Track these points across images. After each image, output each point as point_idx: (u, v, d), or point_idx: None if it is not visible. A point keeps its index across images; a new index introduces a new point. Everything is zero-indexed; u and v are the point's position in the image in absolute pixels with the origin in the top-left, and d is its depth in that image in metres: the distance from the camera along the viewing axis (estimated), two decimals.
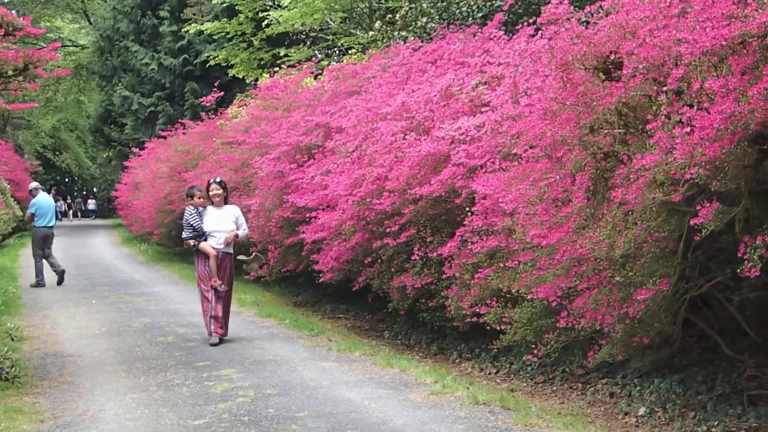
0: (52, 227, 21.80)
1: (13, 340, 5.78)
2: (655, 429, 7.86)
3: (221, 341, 12.27)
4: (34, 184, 23.28)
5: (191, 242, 12.56)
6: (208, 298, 12.38)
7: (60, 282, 20.98)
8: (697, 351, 8.74)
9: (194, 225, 12.51)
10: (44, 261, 21.31)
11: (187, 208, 12.83)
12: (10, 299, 17.19)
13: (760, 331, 7.99)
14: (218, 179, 12.92)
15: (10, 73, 11.59)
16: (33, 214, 21.65)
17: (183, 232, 12.83)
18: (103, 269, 25.88)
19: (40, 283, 20.96)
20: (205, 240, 12.47)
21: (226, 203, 12.79)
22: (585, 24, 8.11)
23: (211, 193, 12.61)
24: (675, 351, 8.37)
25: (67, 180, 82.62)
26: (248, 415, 8.21)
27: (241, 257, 12.74)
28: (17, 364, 5.87)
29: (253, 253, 13.09)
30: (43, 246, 21.36)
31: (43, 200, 21.89)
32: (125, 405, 8.88)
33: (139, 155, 34.18)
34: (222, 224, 12.49)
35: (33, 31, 12.77)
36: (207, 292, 12.41)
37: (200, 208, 12.65)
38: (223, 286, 12.33)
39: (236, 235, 12.52)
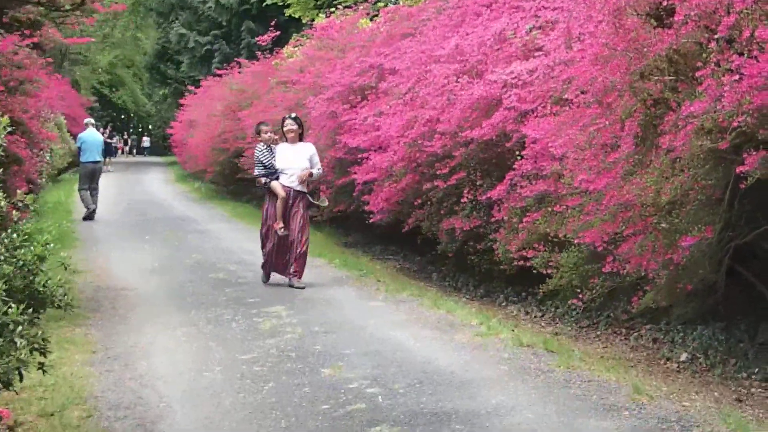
0: (98, 162, 22.12)
1: (65, 269, 5.91)
2: (696, 375, 7.91)
3: (292, 286, 11.91)
4: (87, 120, 23.63)
5: (263, 180, 12.18)
6: (270, 238, 12.07)
7: (86, 218, 21.23)
8: (741, 300, 8.74)
9: (264, 162, 12.18)
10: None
11: (257, 145, 12.55)
12: (64, 233, 17.43)
13: None
14: (293, 115, 12.60)
15: (68, 7, 11.70)
16: (79, 148, 21.98)
17: (254, 170, 12.51)
18: (156, 206, 26.17)
19: (89, 210, 21.36)
20: (277, 179, 12.12)
21: (300, 140, 12.42)
22: None
23: (285, 129, 12.23)
24: (719, 299, 8.37)
25: (122, 117, 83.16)
26: (295, 351, 8.35)
27: (311, 198, 12.49)
28: (70, 293, 6.01)
29: (323, 197, 12.82)
30: (90, 181, 21.69)
31: (89, 135, 22.21)
32: (175, 338, 9.07)
33: (195, 93, 34.37)
34: (295, 162, 12.07)
35: None
36: (271, 232, 12.05)
37: (271, 145, 12.36)
38: (284, 230, 11.89)
39: (310, 174, 12.12)
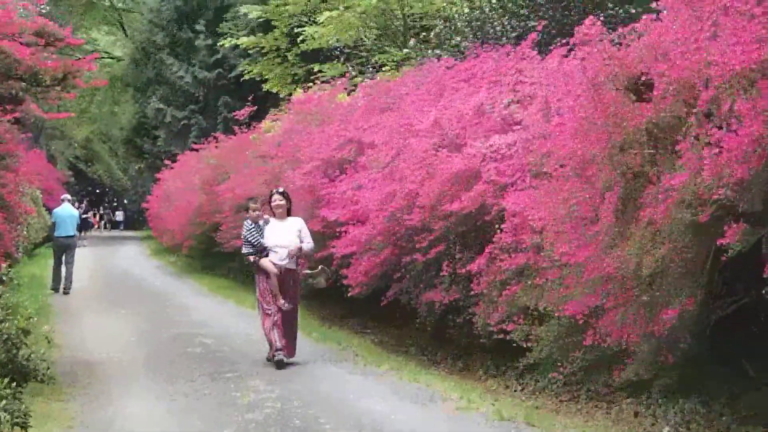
0: (71, 237, 22.17)
1: (49, 342, 5.89)
2: None
3: (286, 363, 11.58)
4: (64, 196, 23.72)
5: (251, 258, 11.92)
6: (269, 314, 11.72)
7: (56, 290, 21.40)
8: (722, 371, 8.74)
9: (252, 241, 11.89)
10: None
11: (244, 222, 12.22)
12: (41, 307, 17.32)
13: None
14: (281, 189, 12.37)
15: (48, 82, 11.72)
16: (54, 223, 22.13)
17: (242, 248, 12.22)
18: (132, 280, 26.05)
19: (55, 285, 21.45)
20: (267, 255, 11.84)
21: (289, 215, 12.21)
22: (617, 45, 8.17)
23: (273, 204, 12.02)
24: (700, 371, 8.37)
25: (98, 191, 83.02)
26: (275, 426, 8.29)
27: (306, 271, 12.43)
28: (52, 366, 5.98)
29: (319, 266, 12.78)
30: (62, 256, 21.78)
31: (63, 211, 22.25)
32: (153, 413, 8.98)
33: (171, 167, 34.32)
34: (284, 238, 11.84)
35: (73, 41, 12.94)
36: (268, 310, 11.75)
37: (260, 222, 12.06)
38: (286, 305, 11.66)
39: (300, 248, 11.87)
